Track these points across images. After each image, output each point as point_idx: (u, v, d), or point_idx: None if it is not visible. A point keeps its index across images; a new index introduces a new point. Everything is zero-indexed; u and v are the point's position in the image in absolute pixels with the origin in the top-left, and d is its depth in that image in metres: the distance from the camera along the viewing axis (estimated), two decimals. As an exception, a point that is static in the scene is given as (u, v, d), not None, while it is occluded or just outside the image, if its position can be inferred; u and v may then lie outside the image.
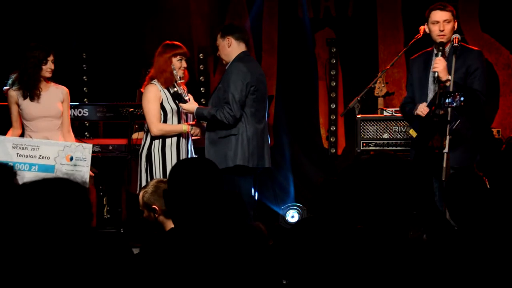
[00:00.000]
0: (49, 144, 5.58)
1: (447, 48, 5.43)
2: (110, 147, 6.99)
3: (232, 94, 5.49)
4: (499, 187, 3.31)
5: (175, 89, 5.68)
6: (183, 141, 5.72)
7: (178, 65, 5.66)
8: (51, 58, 5.75)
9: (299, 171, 8.17)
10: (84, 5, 8.36)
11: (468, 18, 7.92)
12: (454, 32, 5.47)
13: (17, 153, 5.55)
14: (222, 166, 5.53)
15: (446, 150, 5.13)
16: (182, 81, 5.69)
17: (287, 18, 8.38)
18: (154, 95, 5.66)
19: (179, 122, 5.70)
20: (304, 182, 8.13)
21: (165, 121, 5.66)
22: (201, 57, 8.42)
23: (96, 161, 5.65)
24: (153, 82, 5.68)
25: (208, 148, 5.65)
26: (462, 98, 4.77)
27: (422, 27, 5.77)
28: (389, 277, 2.47)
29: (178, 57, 5.66)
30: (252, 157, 5.60)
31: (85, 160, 5.60)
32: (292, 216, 7.28)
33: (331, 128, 8.23)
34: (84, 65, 8.48)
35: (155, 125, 5.64)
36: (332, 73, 8.21)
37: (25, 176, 5.51)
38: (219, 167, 5.58)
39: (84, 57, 8.47)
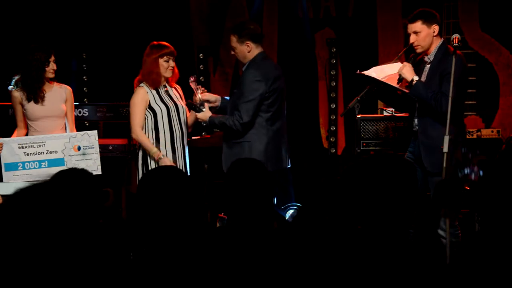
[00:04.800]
0: (54, 138, 5.60)
1: (431, 54, 5.43)
2: (110, 147, 6.99)
3: (244, 103, 5.48)
4: (499, 186, 3.31)
5: (189, 101, 5.72)
6: (177, 139, 5.71)
7: (166, 65, 5.64)
8: (52, 58, 5.75)
9: (299, 171, 8.17)
10: (84, 5, 8.37)
11: (468, 18, 7.92)
12: (454, 32, 5.47)
13: (24, 152, 5.57)
14: None
15: (445, 150, 5.13)
16: (201, 91, 5.70)
17: (287, 18, 8.38)
18: (140, 98, 5.65)
19: (170, 123, 5.67)
20: (304, 182, 8.13)
21: (155, 121, 5.64)
22: (201, 57, 8.42)
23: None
24: (141, 84, 5.68)
25: (224, 150, 5.67)
26: (481, 172, 4.81)
27: (422, 27, 5.76)
28: (389, 277, 2.47)
29: (165, 57, 5.64)
30: (270, 162, 5.57)
31: (93, 147, 5.62)
32: (292, 216, 7.27)
33: (331, 128, 8.23)
34: (84, 65, 8.49)
35: (134, 130, 5.64)
36: (332, 73, 8.21)
37: (37, 173, 5.56)
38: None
39: (84, 57, 8.47)
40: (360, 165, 2.71)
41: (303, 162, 8.24)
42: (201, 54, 8.42)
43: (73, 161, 5.56)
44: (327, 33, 8.32)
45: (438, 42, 5.44)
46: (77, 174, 2.81)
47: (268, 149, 5.57)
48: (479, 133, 7.30)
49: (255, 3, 8.38)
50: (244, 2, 8.47)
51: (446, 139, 5.17)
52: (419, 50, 5.44)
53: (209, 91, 8.33)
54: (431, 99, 5.25)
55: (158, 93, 5.68)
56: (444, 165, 5.13)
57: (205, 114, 5.64)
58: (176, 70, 5.73)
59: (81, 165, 5.54)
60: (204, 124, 5.77)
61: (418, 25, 5.39)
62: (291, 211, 7.30)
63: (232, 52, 5.66)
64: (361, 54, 8.13)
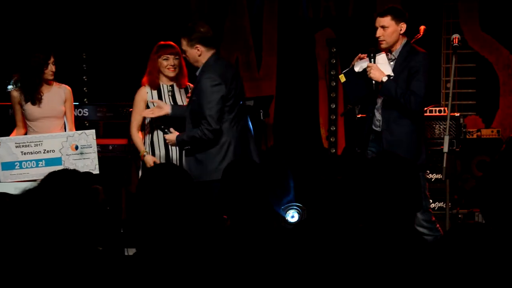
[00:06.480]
0: (51, 137, 5.60)
1: (395, 52, 5.42)
2: (110, 147, 6.99)
3: (209, 109, 5.25)
4: (500, 186, 3.32)
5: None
6: None
7: (165, 64, 5.62)
8: (51, 60, 5.73)
9: (299, 171, 8.17)
10: (84, 5, 8.37)
11: (468, 18, 7.92)
12: (454, 32, 5.47)
13: (22, 152, 5.56)
14: (207, 179, 5.23)
15: (446, 150, 5.14)
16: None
17: (287, 18, 8.38)
18: (139, 98, 5.71)
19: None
20: (304, 182, 8.13)
21: (150, 122, 5.69)
22: (201, 57, 8.42)
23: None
24: (146, 85, 5.72)
25: (193, 161, 5.39)
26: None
27: (422, 27, 5.77)
28: (391, 276, 2.47)
29: (164, 56, 5.62)
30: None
31: (91, 147, 5.61)
32: (292, 216, 7.27)
33: (331, 128, 8.24)
34: (84, 65, 8.48)
35: (130, 129, 5.73)
36: (332, 73, 8.21)
37: (34, 172, 5.56)
38: (202, 179, 5.29)
39: (84, 57, 8.47)
40: (361, 165, 2.71)
41: (303, 162, 8.24)
42: (201, 54, 8.42)
43: (71, 161, 5.56)
44: (327, 33, 8.32)
45: (403, 40, 5.42)
46: (68, 175, 2.78)
47: (237, 150, 5.38)
48: (479, 133, 7.30)
49: (255, 3, 8.38)
50: (244, 2, 8.47)
51: (446, 139, 5.18)
52: (383, 46, 5.42)
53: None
54: (401, 97, 5.25)
55: (159, 93, 5.69)
56: (444, 165, 5.13)
57: (172, 135, 5.42)
58: (184, 69, 5.71)
59: (78, 164, 5.54)
60: (174, 145, 5.55)
61: (387, 20, 5.38)
62: (291, 211, 7.31)
63: (184, 55, 5.48)
64: (358, 53, 8.12)
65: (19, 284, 2.39)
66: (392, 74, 5.32)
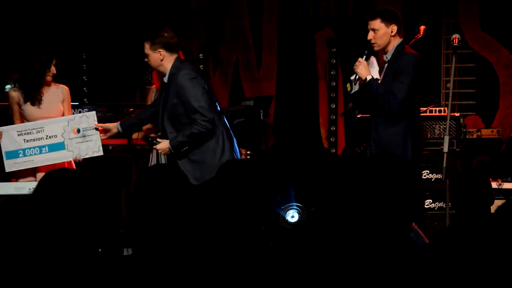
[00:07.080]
0: (52, 122, 5.59)
1: (388, 53, 5.41)
2: (110, 147, 6.99)
3: (197, 101, 5.19)
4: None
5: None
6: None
7: None
8: (53, 62, 5.74)
9: (299, 171, 8.17)
10: (84, 5, 8.38)
11: (468, 18, 7.92)
12: (454, 32, 5.48)
13: (24, 139, 5.56)
14: (211, 176, 4.86)
15: (446, 150, 5.14)
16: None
17: (287, 18, 8.39)
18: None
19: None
20: (304, 182, 8.13)
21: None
22: (201, 57, 8.43)
23: (96, 160, 5.64)
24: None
25: (190, 163, 5.32)
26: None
27: (422, 27, 5.78)
28: (390, 276, 2.48)
29: None
30: (239, 152, 5.53)
31: (93, 129, 5.61)
32: (292, 216, 7.27)
33: (331, 128, 8.24)
34: (84, 65, 8.49)
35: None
36: (332, 73, 8.22)
37: (38, 159, 5.57)
38: (205, 179, 5.25)
39: (84, 57, 8.48)
40: (363, 165, 2.71)
41: (303, 162, 8.24)
42: (201, 54, 8.43)
43: (74, 144, 5.56)
44: (327, 33, 8.32)
45: (396, 41, 5.41)
46: (67, 176, 2.76)
47: (231, 141, 5.37)
48: (479, 133, 7.30)
49: (255, 3, 8.39)
50: (244, 2, 8.48)
51: (446, 139, 5.18)
52: (376, 48, 5.44)
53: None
54: (380, 97, 5.25)
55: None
56: (444, 165, 5.14)
57: (163, 144, 5.31)
58: None
59: (82, 147, 5.55)
60: (168, 153, 5.38)
61: (376, 23, 5.39)
62: (291, 211, 7.31)
63: (146, 60, 5.40)
64: (361, 54, 8.11)
65: (20, 284, 2.39)
66: (379, 78, 5.35)
